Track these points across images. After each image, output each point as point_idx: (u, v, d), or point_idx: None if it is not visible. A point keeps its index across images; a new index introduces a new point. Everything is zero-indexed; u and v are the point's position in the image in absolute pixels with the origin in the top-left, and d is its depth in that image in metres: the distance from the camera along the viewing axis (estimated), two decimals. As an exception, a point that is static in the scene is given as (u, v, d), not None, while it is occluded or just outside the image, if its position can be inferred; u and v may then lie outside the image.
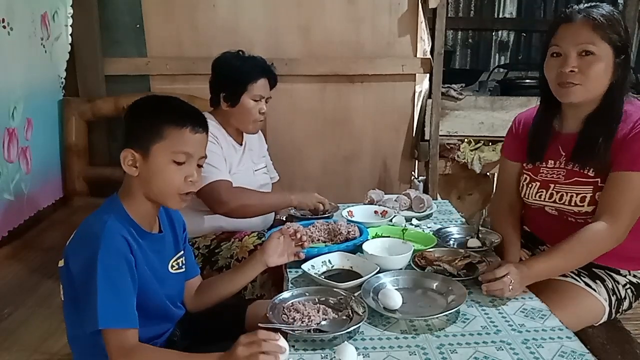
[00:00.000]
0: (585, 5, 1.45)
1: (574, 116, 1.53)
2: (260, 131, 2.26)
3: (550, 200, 1.56)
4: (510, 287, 1.30)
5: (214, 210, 1.87)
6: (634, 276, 1.57)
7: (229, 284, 1.44)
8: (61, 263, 1.18)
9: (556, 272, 1.47)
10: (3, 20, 2.20)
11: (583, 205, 1.49)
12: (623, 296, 1.54)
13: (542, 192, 1.58)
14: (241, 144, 2.09)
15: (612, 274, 1.56)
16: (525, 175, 1.65)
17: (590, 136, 1.47)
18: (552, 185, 1.56)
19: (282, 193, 2.08)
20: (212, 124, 1.98)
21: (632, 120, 1.43)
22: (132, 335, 1.12)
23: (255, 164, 2.15)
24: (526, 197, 1.64)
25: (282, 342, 1.04)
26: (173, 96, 1.29)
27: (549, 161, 1.58)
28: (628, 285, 1.56)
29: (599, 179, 1.46)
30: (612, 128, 1.44)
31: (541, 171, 1.60)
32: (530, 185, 1.62)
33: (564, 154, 1.55)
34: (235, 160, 2.02)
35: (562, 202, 1.53)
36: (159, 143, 1.18)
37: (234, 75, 1.96)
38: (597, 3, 1.45)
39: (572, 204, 1.51)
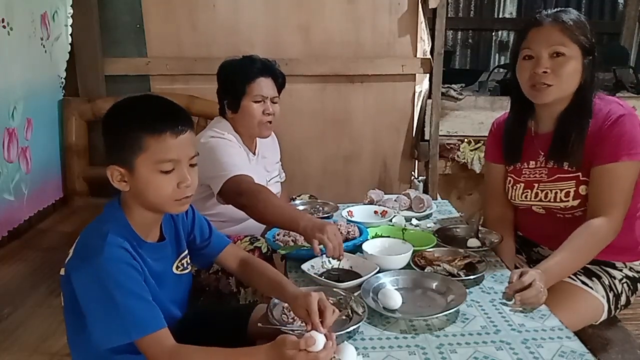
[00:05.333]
0: (553, 10, 1.52)
1: (548, 116, 1.59)
2: (274, 136, 2.16)
3: (536, 199, 1.61)
4: (542, 292, 1.29)
5: (237, 206, 1.71)
6: (630, 269, 1.59)
7: (262, 287, 1.37)
8: (62, 272, 1.16)
9: (567, 273, 1.49)
10: (3, 20, 2.20)
11: (568, 200, 1.54)
12: (620, 291, 1.56)
13: (527, 192, 1.63)
14: (254, 153, 2.03)
15: (608, 269, 1.58)
16: (509, 178, 1.70)
17: (564, 134, 1.53)
18: (536, 185, 1.61)
19: (294, 216, 1.59)
20: (227, 129, 1.92)
21: (603, 114, 1.50)
22: (166, 335, 1.09)
23: (269, 172, 2.10)
24: (513, 198, 1.68)
25: (320, 340, 1.03)
26: (146, 96, 1.20)
27: (530, 162, 1.64)
28: (624, 280, 1.58)
29: (579, 173, 1.52)
30: (584, 124, 1.51)
31: (524, 172, 1.65)
32: (515, 187, 1.67)
33: (542, 153, 1.60)
34: (249, 170, 1.97)
35: (547, 199, 1.58)
36: (141, 155, 1.11)
37: (232, 79, 1.90)
38: (565, 8, 1.53)
39: (558, 200, 1.56)
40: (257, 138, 2.04)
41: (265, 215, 1.64)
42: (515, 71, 1.58)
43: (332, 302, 1.27)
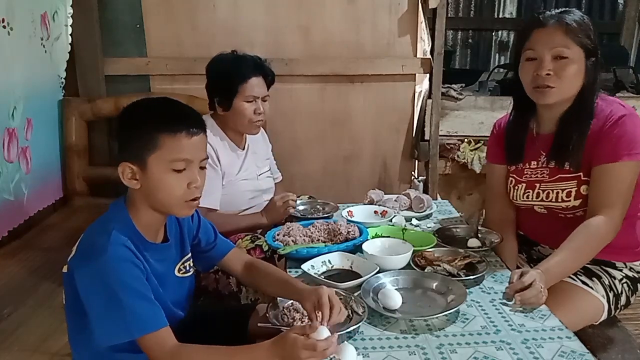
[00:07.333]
0: (557, 10, 1.51)
1: (549, 117, 1.59)
2: (264, 132, 2.23)
3: (538, 200, 1.61)
4: (542, 292, 1.29)
5: None
6: (630, 269, 1.60)
7: (269, 288, 1.36)
8: (65, 269, 1.17)
9: (568, 273, 1.49)
10: (3, 20, 2.20)
11: (570, 200, 1.54)
12: (620, 291, 1.56)
13: (529, 192, 1.63)
14: (243, 148, 2.05)
15: (608, 269, 1.58)
16: (510, 178, 1.70)
17: (565, 135, 1.53)
18: (537, 185, 1.61)
19: (254, 215, 1.97)
20: (213, 129, 1.94)
21: (604, 115, 1.50)
22: (168, 334, 1.10)
23: (259, 167, 2.11)
24: (514, 199, 1.68)
25: (323, 332, 1.04)
26: (164, 97, 1.24)
27: (532, 162, 1.64)
28: (624, 280, 1.58)
29: (581, 173, 1.52)
30: (585, 126, 1.51)
31: (525, 172, 1.65)
32: (516, 187, 1.67)
33: (544, 153, 1.60)
34: (236, 167, 1.98)
35: (549, 199, 1.58)
36: (155, 153, 1.13)
37: (224, 78, 1.91)
38: (568, 9, 1.52)
39: (559, 200, 1.56)
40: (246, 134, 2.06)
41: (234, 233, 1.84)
42: (518, 71, 1.57)
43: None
